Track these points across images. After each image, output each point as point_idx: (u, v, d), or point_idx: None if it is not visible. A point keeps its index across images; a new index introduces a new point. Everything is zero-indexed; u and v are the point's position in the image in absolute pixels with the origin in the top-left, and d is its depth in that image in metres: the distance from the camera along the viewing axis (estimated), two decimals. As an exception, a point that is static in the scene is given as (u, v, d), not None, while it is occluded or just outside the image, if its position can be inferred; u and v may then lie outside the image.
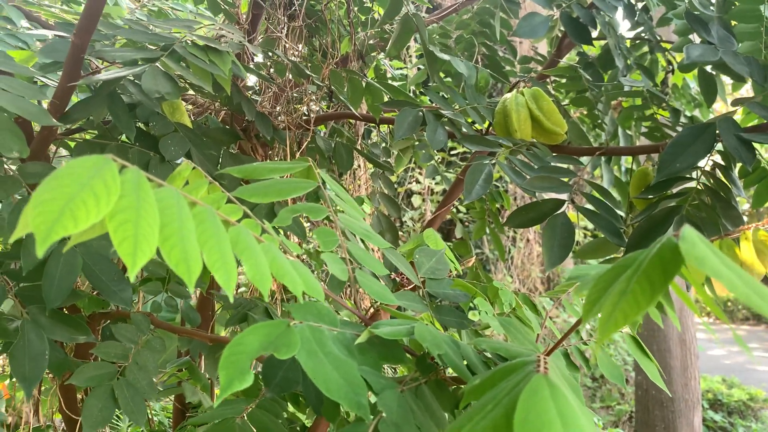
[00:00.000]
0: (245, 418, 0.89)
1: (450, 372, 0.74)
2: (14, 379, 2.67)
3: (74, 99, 1.31)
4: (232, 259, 0.52)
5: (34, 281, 1.08)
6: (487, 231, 2.13)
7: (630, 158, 2.03)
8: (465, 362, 0.67)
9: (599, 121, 1.81)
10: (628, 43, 2.04)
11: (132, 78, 1.12)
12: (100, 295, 1.37)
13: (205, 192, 0.68)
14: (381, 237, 0.83)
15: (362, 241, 0.84)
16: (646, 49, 2.10)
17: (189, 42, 1.02)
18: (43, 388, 2.29)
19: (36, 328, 1.04)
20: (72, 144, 1.40)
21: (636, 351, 0.78)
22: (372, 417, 0.57)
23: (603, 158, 1.92)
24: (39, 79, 1.16)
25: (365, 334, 0.63)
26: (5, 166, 1.04)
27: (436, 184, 6.72)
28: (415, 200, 6.80)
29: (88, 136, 1.29)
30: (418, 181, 6.75)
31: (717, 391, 6.79)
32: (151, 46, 1.10)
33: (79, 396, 1.57)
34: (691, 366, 5.05)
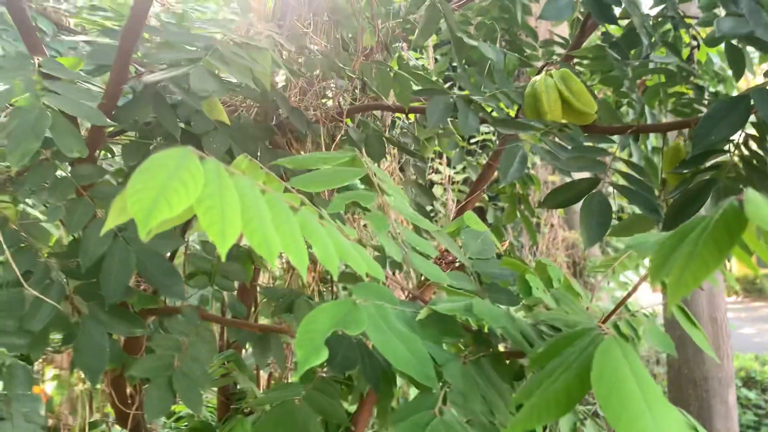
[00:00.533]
0: (303, 400, 0.92)
1: (505, 347, 0.76)
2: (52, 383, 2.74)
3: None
4: (302, 241, 0.55)
5: (90, 279, 1.12)
6: (518, 215, 2.14)
7: (655, 137, 2.03)
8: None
9: (629, 99, 1.81)
10: (653, 20, 2.04)
11: (171, 78, 1.15)
12: (149, 290, 1.42)
13: (263, 182, 0.71)
14: (429, 222, 0.86)
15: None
16: (669, 26, 2.09)
17: (230, 41, 1.05)
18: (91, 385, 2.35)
19: (96, 324, 1.08)
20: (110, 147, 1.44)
21: (684, 321, 0.80)
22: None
23: (631, 138, 1.92)
24: (83, 84, 1.20)
25: (425, 311, 0.66)
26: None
27: (456, 173, 6.73)
28: (437, 190, 6.82)
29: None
30: (437, 171, 6.76)
31: (750, 369, 6.74)
32: (190, 47, 1.13)
33: (129, 391, 1.62)
34: (724, 345, 5.02)
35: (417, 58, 3.17)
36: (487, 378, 0.66)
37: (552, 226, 7.64)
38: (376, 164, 1.90)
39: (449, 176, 7.34)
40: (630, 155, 1.95)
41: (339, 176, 0.79)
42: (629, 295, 0.64)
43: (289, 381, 1.62)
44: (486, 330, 0.76)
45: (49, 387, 2.87)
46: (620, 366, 0.42)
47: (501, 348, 0.76)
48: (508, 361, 0.75)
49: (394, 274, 1.47)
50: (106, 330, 1.09)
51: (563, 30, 2.52)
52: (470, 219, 1.07)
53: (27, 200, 1.69)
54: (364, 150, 1.63)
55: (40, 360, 2.75)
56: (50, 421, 2.70)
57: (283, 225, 0.54)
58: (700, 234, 0.42)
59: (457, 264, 1.04)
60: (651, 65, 1.81)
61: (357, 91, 1.74)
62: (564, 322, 0.67)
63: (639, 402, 0.40)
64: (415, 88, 1.57)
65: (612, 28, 2.26)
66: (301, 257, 0.54)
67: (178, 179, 0.45)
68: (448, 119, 1.85)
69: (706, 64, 2.75)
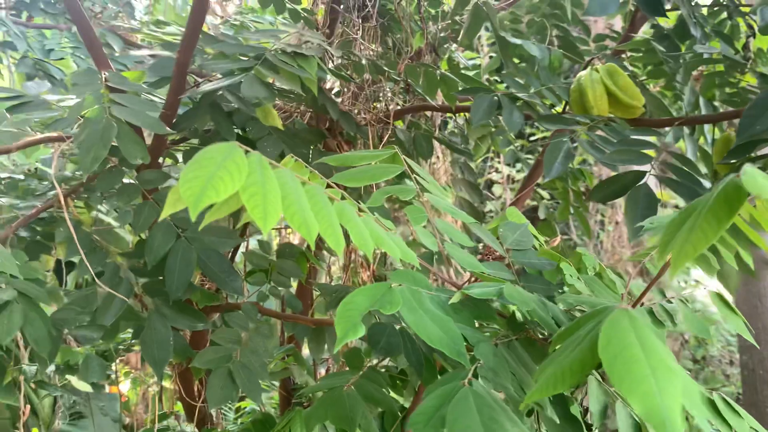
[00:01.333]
0: (352, 387, 0.97)
1: (539, 333, 0.79)
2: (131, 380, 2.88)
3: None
4: (339, 227, 0.60)
5: (155, 277, 1.21)
6: (572, 211, 2.14)
7: (713, 128, 1.99)
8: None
9: (678, 92, 1.79)
10: (705, 11, 2.01)
11: (227, 87, 1.23)
12: (212, 287, 1.50)
13: (306, 178, 0.76)
14: (466, 214, 0.89)
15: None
16: (724, 15, 2.05)
17: (279, 50, 1.12)
18: (163, 383, 2.48)
19: (160, 318, 1.17)
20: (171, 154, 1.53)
21: (722, 307, 0.80)
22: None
23: (686, 130, 1.90)
24: (146, 96, 1.29)
25: (458, 295, 0.69)
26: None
27: (518, 172, 6.67)
28: (496, 190, 6.77)
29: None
30: (497, 171, 6.72)
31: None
32: (243, 57, 1.20)
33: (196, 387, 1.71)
34: (802, 344, 4.79)
35: (473, 58, 3.19)
36: (519, 358, 0.69)
37: (617, 223, 7.46)
38: (424, 162, 1.94)
39: (508, 175, 7.27)
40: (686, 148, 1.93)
41: (378, 172, 0.83)
42: (656, 278, 0.66)
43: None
44: (522, 317, 0.79)
45: (125, 388, 3.03)
46: (626, 335, 0.45)
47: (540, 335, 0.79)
48: (543, 346, 0.77)
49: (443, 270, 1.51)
50: (170, 324, 1.17)
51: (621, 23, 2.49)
52: (512, 214, 1.10)
53: (101, 208, 1.82)
54: (413, 150, 1.68)
55: (117, 361, 2.90)
56: (126, 419, 2.85)
57: (321, 212, 0.60)
58: (702, 208, 0.45)
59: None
60: (705, 56, 1.78)
61: (406, 93, 1.79)
62: (591, 304, 0.69)
63: (643, 367, 0.43)
64: (461, 88, 1.61)
65: (666, 20, 2.23)
66: (337, 241, 0.59)
67: (225, 169, 0.51)
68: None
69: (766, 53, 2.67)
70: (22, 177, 1.53)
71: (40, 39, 2.08)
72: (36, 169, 1.54)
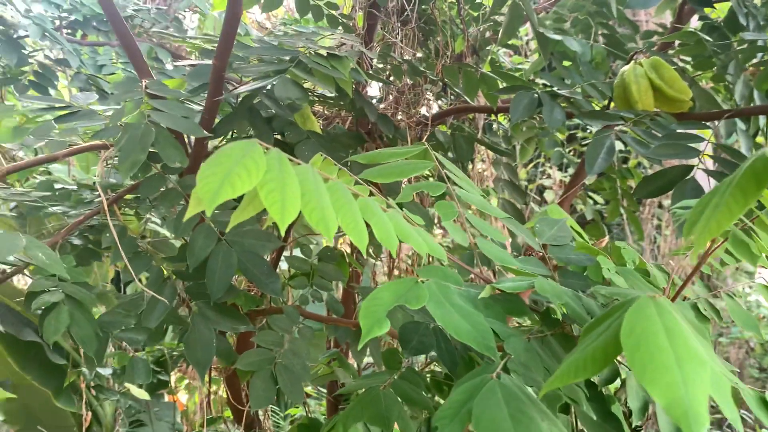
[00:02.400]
0: (389, 387, 0.96)
1: (575, 329, 0.77)
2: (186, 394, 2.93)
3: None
4: (362, 223, 0.60)
5: (197, 279, 1.23)
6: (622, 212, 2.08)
7: (769, 121, 1.91)
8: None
9: (727, 83, 1.72)
10: (758, 1, 1.93)
11: (266, 92, 1.25)
12: (257, 292, 1.52)
13: (335, 176, 0.76)
14: (498, 209, 0.88)
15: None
16: (779, 4, 1.97)
17: (313, 52, 1.13)
18: (214, 387, 2.52)
19: (203, 320, 1.19)
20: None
21: (771, 298, 0.76)
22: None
23: (741, 124, 1.82)
24: (187, 102, 1.32)
25: (488, 289, 0.68)
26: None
27: (569, 177, 6.55)
28: (548, 195, 6.67)
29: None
30: (549, 176, 6.62)
31: None
32: (278, 59, 1.21)
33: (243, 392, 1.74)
34: None
35: (520, 63, 3.15)
36: (552, 353, 0.67)
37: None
38: (468, 168, 1.92)
39: (561, 180, 7.17)
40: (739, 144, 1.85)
41: (407, 168, 0.83)
42: (696, 268, 0.63)
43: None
44: (557, 312, 0.77)
45: (184, 398, 3.10)
46: (651, 323, 0.43)
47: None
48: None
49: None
50: (212, 326, 1.18)
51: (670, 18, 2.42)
52: (553, 210, 1.08)
53: (156, 220, 1.87)
54: (453, 152, 1.67)
55: (175, 371, 2.97)
56: (185, 428, 2.91)
57: (343, 208, 0.59)
58: (728, 185, 0.43)
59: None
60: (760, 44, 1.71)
61: (444, 95, 1.78)
62: (625, 296, 0.67)
63: (668, 356, 0.41)
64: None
65: (715, 13, 2.16)
66: (360, 236, 0.59)
67: (243, 166, 0.52)
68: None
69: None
70: (75, 187, 1.59)
71: (93, 55, 2.16)
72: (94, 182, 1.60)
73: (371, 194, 0.72)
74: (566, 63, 1.91)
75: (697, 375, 0.40)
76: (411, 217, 0.74)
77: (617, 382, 0.86)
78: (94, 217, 1.33)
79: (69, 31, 2.32)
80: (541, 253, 0.98)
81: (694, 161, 1.27)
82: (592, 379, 0.71)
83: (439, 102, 1.99)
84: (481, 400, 0.54)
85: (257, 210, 0.65)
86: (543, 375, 0.62)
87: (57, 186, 1.55)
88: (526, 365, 0.62)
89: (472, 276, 1.28)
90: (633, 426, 0.73)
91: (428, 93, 1.78)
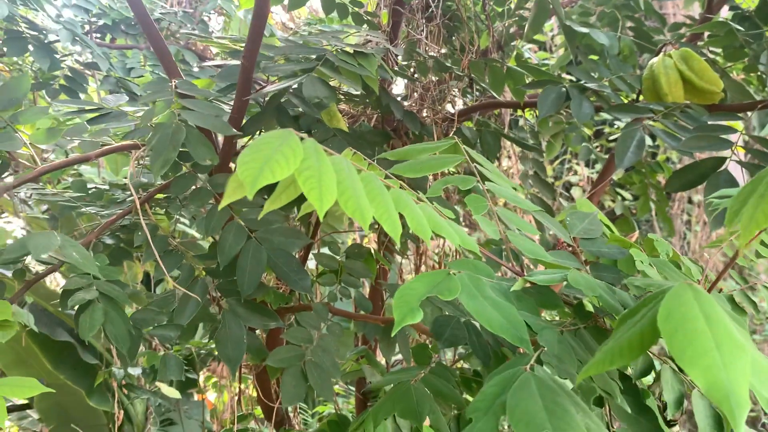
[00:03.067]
0: (419, 381, 0.96)
1: (609, 322, 0.76)
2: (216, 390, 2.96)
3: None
4: (395, 213, 0.60)
5: (228, 277, 1.24)
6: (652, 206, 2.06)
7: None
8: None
9: (760, 73, 1.69)
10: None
11: (292, 91, 1.25)
12: (286, 290, 1.53)
13: (367, 169, 0.76)
14: (529, 202, 0.87)
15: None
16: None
17: (339, 50, 1.13)
18: (243, 386, 2.54)
19: (234, 317, 1.20)
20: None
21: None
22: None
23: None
24: (216, 102, 1.33)
25: (520, 282, 0.68)
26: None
27: (597, 173, 6.47)
28: (575, 192, 6.60)
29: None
30: (575, 173, 6.55)
31: None
32: (305, 58, 1.22)
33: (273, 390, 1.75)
34: None
35: (546, 59, 3.13)
36: (586, 345, 0.66)
37: (705, 223, 7.12)
38: (494, 163, 1.91)
39: (588, 177, 7.09)
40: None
41: (437, 163, 0.83)
42: (733, 259, 0.62)
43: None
44: (590, 305, 0.76)
45: (213, 397, 3.14)
46: (689, 308, 0.42)
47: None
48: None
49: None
50: (243, 323, 1.20)
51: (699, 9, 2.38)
52: (582, 204, 1.07)
53: (185, 221, 1.90)
54: (480, 148, 1.66)
55: (204, 371, 3.01)
56: (214, 427, 2.95)
57: (377, 198, 0.60)
58: (772, 174, 0.42)
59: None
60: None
61: (470, 90, 1.77)
62: (659, 287, 0.66)
63: (707, 340, 0.40)
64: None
65: (746, 2, 2.12)
66: (394, 226, 0.59)
67: (281, 153, 0.52)
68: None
69: None
70: (107, 187, 1.61)
71: (122, 59, 2.19)
72: (125, 182, 1.62)
73: (401, 187, 0.73)
74: (593, 57, 1.89)
75: (737, 359, 0.39)
76: (442, 211, 0.74)
77: (650, 378, 0.85)
78: (126, 217, 1.35)
79: (98, 35, 2.36)
80: (571, 248, 0.97)
81: (727, 153, 1.25)
82: (626, 373, 0.70)
83: (466, 98, 1.98)
84: (515, 392, 0.54)
85: (290, 198, 0.65)
86: (576, 368, 0.62)
87: (89, 186, 1.58)
88: (560, 358, 0.61)
89: (500, 272, 1.27)
90: (668, 420, 0.72)
91: (454, 89, 1.77)
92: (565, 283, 0.69)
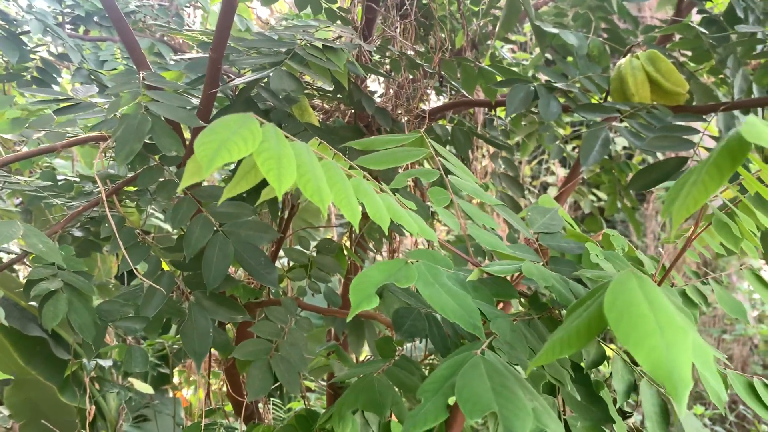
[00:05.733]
0: (383, 374, 0.97)
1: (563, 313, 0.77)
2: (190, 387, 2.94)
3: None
4: (354, 200, 0.61)
5: (195, 270, 1.24)
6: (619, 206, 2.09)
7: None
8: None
9: (725, 77, 1.73)
10: (758, -5, 1.93)
11: (263, 85, 1.26)
12: (257, 285, 1.53)
13: (331, 158, 0.77)
14: (492, 196, 0.89)
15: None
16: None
17: (308, 44, 1.13)
18: (214, 381, 2.53)
19: (200, 310, 1.20)
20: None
21: (756, 284, 0.77)
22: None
23: (741, 117, 1.83)
24: (185, 95, 1.33)
25: (476, 272, 0.69)
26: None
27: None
28: (552, 192, 6.66)
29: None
30: (552, 173, 6.61)
31: None
32: (276, 52, 1.22)
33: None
34: None
35: (525, 59, 3.16)
36: (539, 335, 0.68)
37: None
38: (465, 158, 1.93)
39: (563, 177, 7.14)
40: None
41: (402, 155, 0.84)
42: (681, 252, 0.64)
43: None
44: (545, 297, 0.78)
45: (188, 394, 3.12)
46: (634, 294, 0.43)
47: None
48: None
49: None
50: (209, 316, 1.19)
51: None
52: (544, 200, 1.09)
53: (160, 216, 1.88)
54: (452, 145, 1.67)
55: (180, 367, 3.00)
56: (188, 423, 2.93)
57: (337, 185, 0.61)
58: (705, 163, 0.44)
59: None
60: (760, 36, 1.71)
61: (441, 88, 1.78)
62: (607, 278, 0.67)
63: (651, 323, 0.41)
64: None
65: (717, 6, 2.16)
66: (353, 212, 0.60)
67: (239, 135, 0.53)
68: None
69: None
70: (77, 179, 1.60)
71: (95, 51, 2.17)
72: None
73: (365, 178, 0.74)
74: (570, 59, 1.92)
75: (679, 340, 0.40)
76: (403, 201, 0.75)
77: (610, 372, 0.87)
78: (96, 209, 1.35)
79: (72, 26, 2.33)
80: (536, 244, 0.99)
81: (690, 153, 1.28)
82: (580, 363, 0.71)
83: (441, 97, 2.00)
84: (464, 373, 0.55)
85: (250, 184, 0.66)
86: (528, 355, 0.63)
87: (59, 177, 1.57)
88: (512, 345, 0.63)
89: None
90: (617, 406, 0.74)
91: (428, 87, 1.79)
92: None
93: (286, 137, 0.58)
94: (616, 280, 0.45)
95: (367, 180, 0.72)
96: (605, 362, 0.73)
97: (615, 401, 0.80)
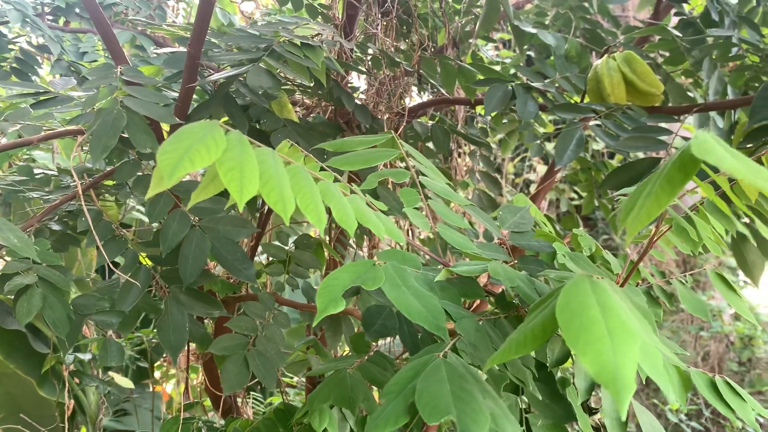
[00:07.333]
0: (356, 369, 0.98)
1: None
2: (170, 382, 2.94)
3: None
4: (321, 205, 0.62)
5: (172, 265, 1.24)
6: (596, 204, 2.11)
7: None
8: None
9: (697, 78, 1.75)
10: (734, -1, 1.96)
11: (242, 80, 1.26)
12: (236, 281, 1.53)
13: (302, 162, 0.78)
14: (463, 198, 0.90)
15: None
16: (754, 2, 2.00)
17: (287, 41, 1.14)
18: (193, 375, 2.53)
19: (177, 304, 1.20)
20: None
21: (722, 287, 0.79)
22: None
23: (718, 120, 1.85)
24: (164, 90, 1.33)
25: (444, 273, 0.70)
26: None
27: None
28: (534, 189, 6.71)
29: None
30: (534, 170, 6.66)
31: None
32: (255, 48, 1.22)
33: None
34: None
35: (509, 57, 3.17)
36: (505, 335, 0.69)
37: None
38: (441, 155, 1.94)
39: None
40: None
41: (373, 156, 0.85)
42: (644, 254, 0.66)
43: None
44: (511, 296, 0.79)
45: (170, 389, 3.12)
46: (586, 298, 0.45)
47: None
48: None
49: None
50: (186, 310, 1.20)
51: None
52: (518, 200, 1.10)
53: (142, 209, 1.88)
54: (431, 142, 1.69)
55: (161, 360, 2.99)
56: (169, 417, 2.93)
57: (303, 190, 0.61)
58: (659, 175, 0.45)
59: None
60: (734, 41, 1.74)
61: (419, 85, 1.79)
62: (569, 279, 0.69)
63: (600, 328, 0.42)
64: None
65: (695, 8, 2.18)
66: (318, 217, 0.61)
67: (203, 144, 0.53)
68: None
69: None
70: (55, 172, 1.60)
71: (75, 42, 2.16)
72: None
73: (336, 180, 0.74)
74: (551, 59, 1.93)
75: (626, 345, 0.42)
76: (373, 203, 0.76)
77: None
78: (74, 203, 1.34)
79: (52, 17, 2.32)
80: (509, 244, 1.01)
81: (663, 154, 1.30)
82: (543, 362, 0.73)
83: (424, 94, 2.01)
84: (425, 377, 0.56)
85: (218, 189, 0.66)
86: (491, 355, 0.65)
87: (37, 171, 1.56)
88: (476, 346, 0.64)
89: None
90: (581, 403, 0.76)
91: (409, 85, 1.80)
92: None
93: (252, 143, 0.58)
94: (569, 284, 0.47)
95: (337, 181, 0.73)
96: (570, 359, 0.75)
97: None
